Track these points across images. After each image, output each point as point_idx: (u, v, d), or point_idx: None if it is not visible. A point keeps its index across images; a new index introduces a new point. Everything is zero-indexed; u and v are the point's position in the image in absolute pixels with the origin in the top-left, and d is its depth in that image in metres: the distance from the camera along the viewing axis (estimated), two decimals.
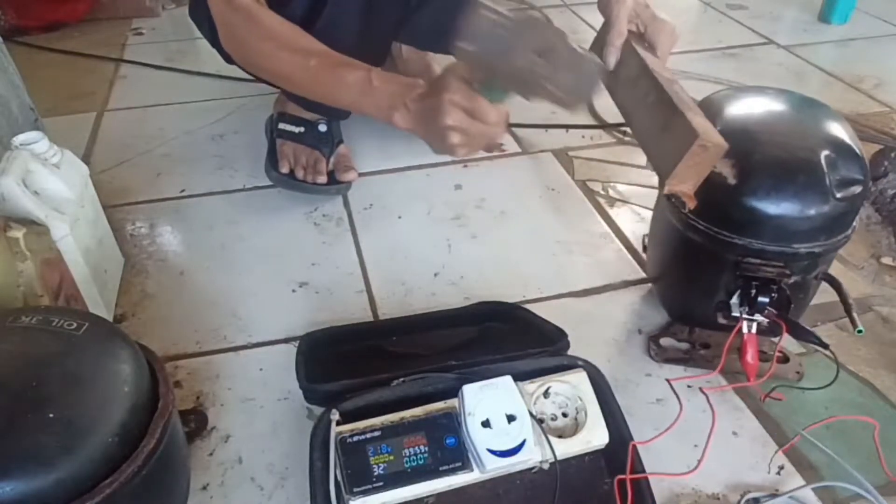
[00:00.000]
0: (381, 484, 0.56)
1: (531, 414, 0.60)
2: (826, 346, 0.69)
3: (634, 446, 0.62)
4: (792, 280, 0.68)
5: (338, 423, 0.59)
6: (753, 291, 0.67)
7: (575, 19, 1.73)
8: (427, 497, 0.59)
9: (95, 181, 0.86)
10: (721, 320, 0.71)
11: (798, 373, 0.76)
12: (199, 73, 1.43)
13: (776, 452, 0.68)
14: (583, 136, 1.21)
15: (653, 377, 0.76)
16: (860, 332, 0.66)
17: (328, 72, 0.78)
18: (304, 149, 1.05)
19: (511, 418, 0.59)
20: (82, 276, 0.76)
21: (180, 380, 0.76)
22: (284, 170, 1.03)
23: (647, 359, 0.78)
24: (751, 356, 0.68)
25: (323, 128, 1.05)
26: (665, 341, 0.78)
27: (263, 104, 1.14)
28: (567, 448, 0.61)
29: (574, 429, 0.62)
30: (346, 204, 1.05)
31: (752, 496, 0.64)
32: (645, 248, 0.91)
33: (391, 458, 0.57)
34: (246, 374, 0.77)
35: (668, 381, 0.75)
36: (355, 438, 0.58)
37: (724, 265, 0.69)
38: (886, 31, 1.67)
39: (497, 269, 0.92)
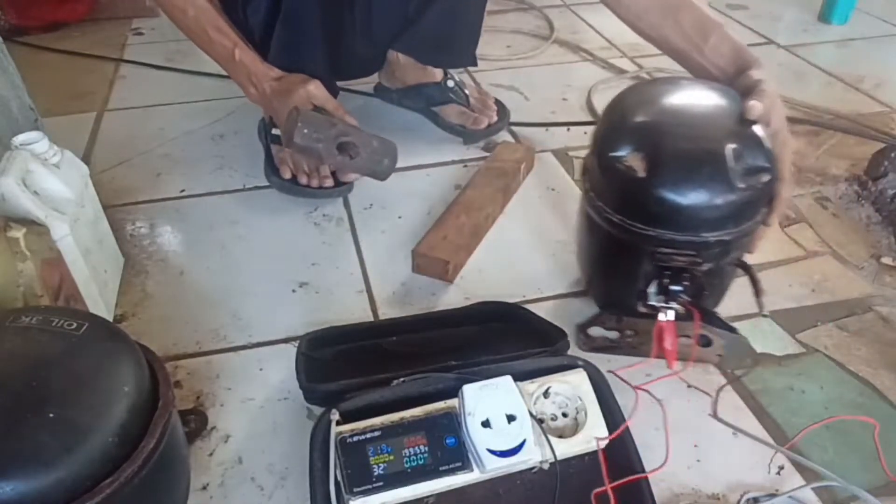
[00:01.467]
0: (381, 484, 0.56)
1: (531, 414, 0.60)
2: (734, 331, 0.71)
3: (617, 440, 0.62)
4: (705, 267, 0.69)
5: (338, 423, 0.59)
6: (667, 280, 0.69)
7: (575, 19, 1.73)
8: (427, 497, 0.58)
9: (95, 181, 0.86)
10: (641, 309, 0.73)
11: (719, 355, 0.77)
12: (199, 73, 1.43)
13: (776, 453, 0.68)
14: (585, 133, 1.21)
15: (652, 377, 0.76)
16: (765, 316, 0.68)
17: (200, 29, 0.91)
18: None
19: (511, 418, 0.59)
20: (82, 276, 0.76)
21: (180, 380, 0.76)
22: (286, 175, 1.03)
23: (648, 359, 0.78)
24: (668, 343, 0.69)
25: None
26: (594, 331, 0.79)
27: None
28: (567, 448, 0.61)
29: (574, 429, 0.62)
30: (346, 204, 1.05)
31: (752, 496, 0.64)
32: None
33: (391, 458, 0.57)
34: (246, 374, 0.77)
35: (611, 371, 0.75)
36: (355, 438, 0.58)
37: (641, 256, 0.70)
38: (886, 31, 1.67)
39: (497, 269, 0.92)
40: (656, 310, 0.70)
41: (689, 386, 0.75)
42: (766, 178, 0.67)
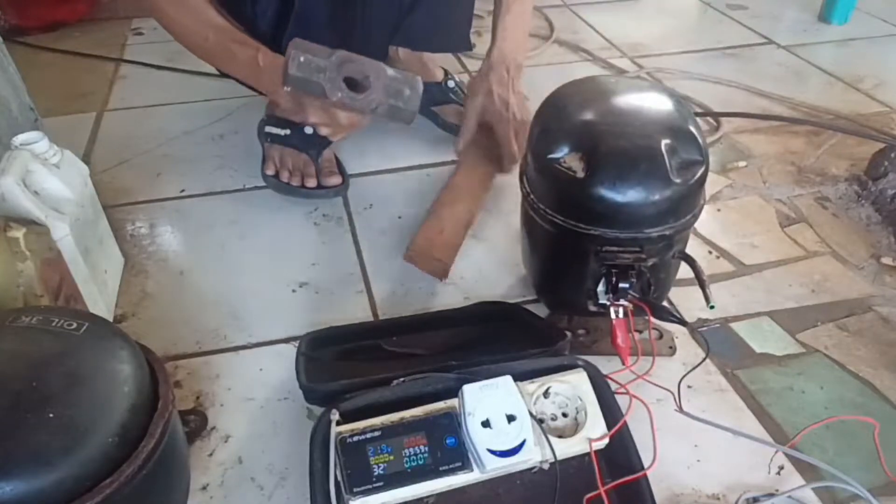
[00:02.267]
0: (381, 484, 0.56)
1: (531, 414, 0.60)
2: (686, 324, 0.71)
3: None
4: (650, 263, 0.70)
5: (338, 423, 0.59)
6: (614, 279, 0.69)
7: (575, 19, 1.73)
8: (427, 497, 0.58)
9: (95, 181, 0.86)
10: (592, 307, 0.73)
11: (671, 347, 0.79)
12: (199, 73, 1.43)
13: (776, 453, 0.68)
14: None
15: (651, 376, 0.76)
16: (712, 307, 0.68)
17: (223, 47, 0.87)
18: (291, 151, 1.05)
19: (511, 418, 0.59)
20: (82, 276, 0.76)
21: (180, 380, 0.76)
22: (270, 172, 1.04)
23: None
24: (621, 339, 0.69)
25: (309, 130, 1.05)
26: None
27: (263, 104, 1.15)
28: (567, 448, 0.61)
29: (574, 429, 0.62)
30: (346, 204, 1.05)
31: (751, 496, 0.64)
32: None
33: (391, 458, 0.57)
34: (246, 374, 0.77)
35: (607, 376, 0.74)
36: (355, 438, 0.58)
37: (586, 256, 0.70)
38: (886, 31, 1.67)
39: (497, 269, 0.92)
40: (607, 308, 0.71)
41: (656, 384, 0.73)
42: (700, 170, 0.68)
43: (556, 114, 0.73)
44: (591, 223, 0.69)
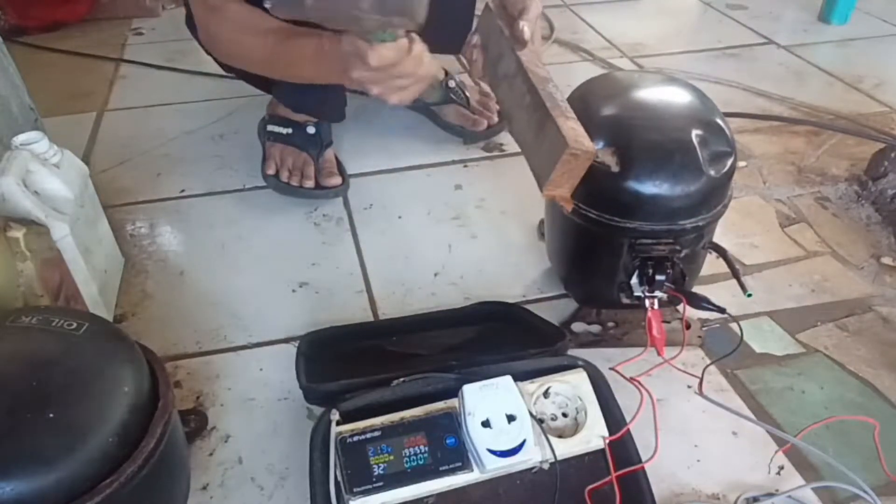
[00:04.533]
0: (381, 484, 0.56)
1: (531, 414, 0.60)
2: (724, 311, 0.71)
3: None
4: (682, 254, 0.71)
5: (338, 423, 0.59)
6: (650, 271, 0.70)
7: (575, 19, 1.73)
8: (427, 497, 0.58)
9: (95, 181, 0.86)
10: (625, 300, 0.74)
11: (700, 337, 0.80)
12: (199, 73, 1.43)
13: (776, 452, 0.68)
14: None
15: (652, 377, 0.76)
16: (749, 295, 0.70)
17: (284, 46, 0.81)
18: (292, 151, 1.05)
19: (511, 418, 0.59)
20: (82, 276, 0.76)
21: (180, 380, 0.76)
22: (270, 171, 1.04)
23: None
24: (656, 330, 0.70)
25: (311, 129, 1.05)
26: (577, 326, 0.81)
27: (263, 104, 1.15)
28: (567, 448, 0.61)
29: (574, 429, 0.62)
30: (346, 204, 1.05)
31: (750, 495, 0.64)
32: (542, 235, 0.93)
33: (391, 458, 0.57)
34: (246, 374, 0.77)
35: (612, 368, 0.74)
36: (355, 438, 0.58)
37: (620, 249, 0.72)
38: (886, 31, 1.67)
39: (497, 269, 0.92)
40: (641, 300, 0.71)
41: (682, 370, 0.74)
42: (729, 161, 0.69)
43: (584, 110, 0.71)
44: (626, 216, 0.70)
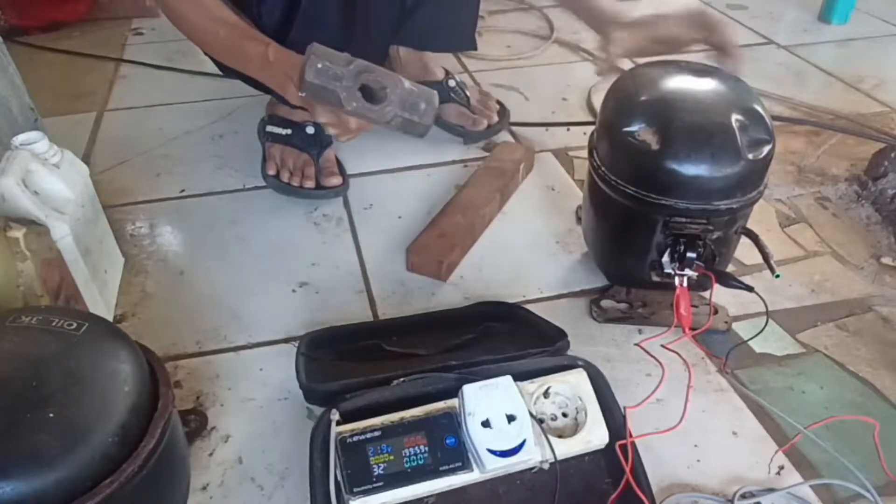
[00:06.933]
0: (381, 484, 0.56)
1: (531, 414, 0.60)
2: (751, 290, 0.73)
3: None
4: (715, 235, 0.73)
5: (338, 423, 0.59)
6: (682, 248, 0.72)
7: (575, 19, 1.73)
8: (427, 497, 0.59)
9: (95, 181, 0.86)
10: (655, 278, 0.76)
11: (726, 322, 0.82)
12: (199, 73, 1.43)
13: (776, 452, 0.68)
14: (584, 133, 1.21)
15: (652, 377, 0.76)
16: (778, 276, 0.72)
17: (233, 43, 0.85)
18: (292, 151, 1.05)
19: (511, 418, 0.59)
20: (82, 276, 0.76)
21: (180, 380, 0.76)
22: (271, 172, 1.04)
23: (649, 359, 0.78)
24: (684, 308, 0.73)
25: (310, 129, 1.05)
26: (605, 303, 0.84)
27: (263, 104, 1.15)
28: (567, 448, 0.61)
29: (574, 429, 0.62)
30: (346, 204, 1.05)
31: (747, 489, 0.64)
32: (579, 220, 0.97)
33: (391, 458, 0.57)
34: (246, 374, 0.77)
35: (637, 345, 0.79)
36: (355, 438, 0.58)
37: (654, 226, 0.73)
38: (886, 31, 1.67)
39: (497, 269, 0.92)
40: (671, 277, 0.73)
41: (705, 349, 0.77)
42: (767, 148, 0.71)
43: (630, 91, 0.76)
44: (662, 193, 0.71)
